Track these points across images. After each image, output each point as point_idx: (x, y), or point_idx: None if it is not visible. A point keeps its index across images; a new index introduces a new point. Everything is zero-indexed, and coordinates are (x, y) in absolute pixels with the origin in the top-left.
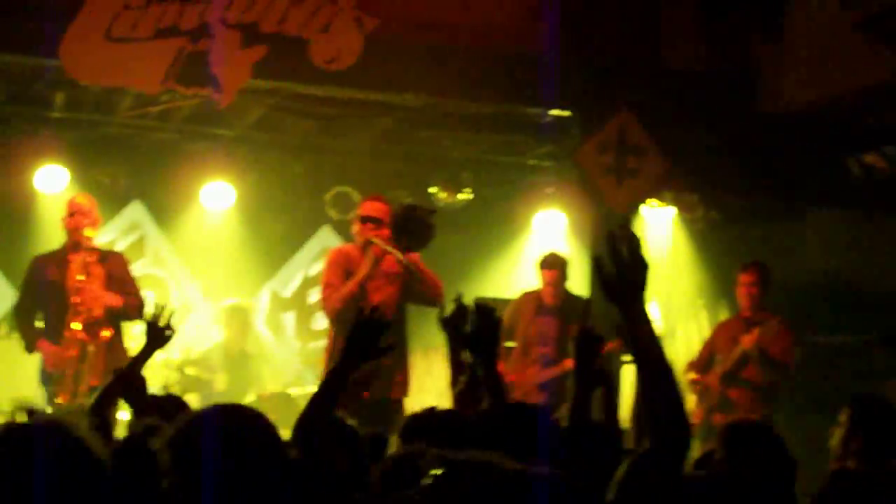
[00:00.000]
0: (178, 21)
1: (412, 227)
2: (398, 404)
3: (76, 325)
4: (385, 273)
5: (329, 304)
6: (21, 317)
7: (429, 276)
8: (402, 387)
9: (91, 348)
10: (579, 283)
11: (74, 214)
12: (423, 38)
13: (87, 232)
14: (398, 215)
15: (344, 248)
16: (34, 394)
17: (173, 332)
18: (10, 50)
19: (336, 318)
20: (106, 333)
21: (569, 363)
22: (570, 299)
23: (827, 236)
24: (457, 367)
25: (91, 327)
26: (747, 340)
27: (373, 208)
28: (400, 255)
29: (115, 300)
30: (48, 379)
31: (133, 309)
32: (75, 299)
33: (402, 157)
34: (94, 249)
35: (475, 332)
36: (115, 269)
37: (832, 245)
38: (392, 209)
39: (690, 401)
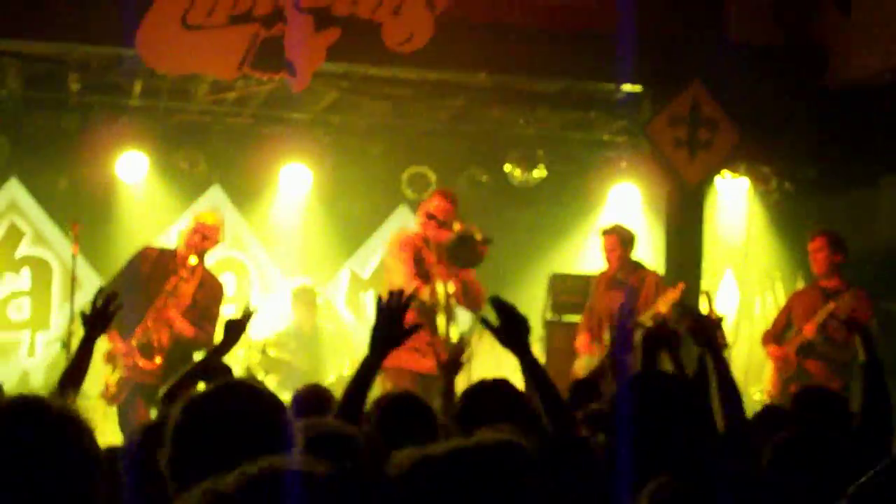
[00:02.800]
0: (253, 7)
1: (462, 254)
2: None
3: (140, 337)
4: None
5: (392, 284)
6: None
7: (472, 294)
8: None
9: (138, 364)
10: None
11: (198, 232)
12: (494, 17)
13: (196, 256)
14: (452, 241)
15: (411, 234)
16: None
17: (242, 332)
18: (88, 40)
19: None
20: (158, 360)
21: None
22: (635, 270)
23: None
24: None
25: (149, 348)
26: (808, 329)
27: (439, 209)
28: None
29: (185, 329)
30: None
31: (201, 344)
32: (153, 314)
33: (476, 136)
34: (200, 274)
35: (500, 329)
36: (204, 299)
37: None
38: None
39: (768, 371)
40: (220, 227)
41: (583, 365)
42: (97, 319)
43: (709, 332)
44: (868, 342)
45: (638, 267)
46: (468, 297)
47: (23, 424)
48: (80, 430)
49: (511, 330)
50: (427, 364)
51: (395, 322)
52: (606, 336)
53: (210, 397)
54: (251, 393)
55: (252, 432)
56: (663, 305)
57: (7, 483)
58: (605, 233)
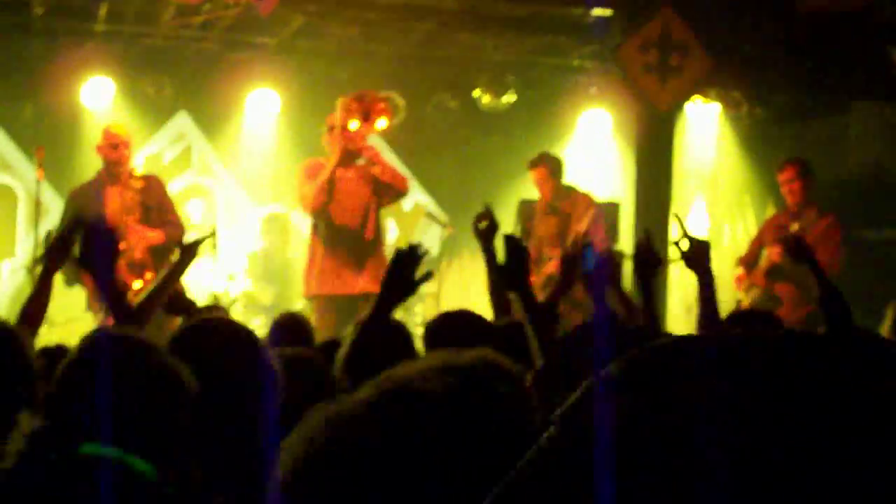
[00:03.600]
0: None
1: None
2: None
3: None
4: (357, 173)
5: (306, 201)
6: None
7: (390, 167)
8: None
9: (131, 287)
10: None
11: (118, 147)
12: None
13: (129, 164)
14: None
15: (315, 159)
16: (85, 319)
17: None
18: None
19: (316, 215)
20: (149, 274)
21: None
22: (568, 194)
23: (872, 129)
24: (497, 301)
25: (135, 268)
26: (775, 252)
27: (335, 117)
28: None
29: (157, 237)
30: (96, 309)
31: (175, 238)
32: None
33: (444, 61)
34: (136, 180)
35: (507, 268)
36: (153, 199)
37: (877, 139)
38: None
39: (738, 297)
40: (125, 132)
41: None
42: (52, 253)
43: (701, 256)
44: (818, 271)
45: (570, 191)
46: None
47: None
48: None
49: (516, 269)
50: (359, 284)
51: (411, 270)
52: (551, 264)
53: (190, 335)
54: (230, 330)
55: (233, 370)
56: (582, 224)
57: None
58: (533, 165)
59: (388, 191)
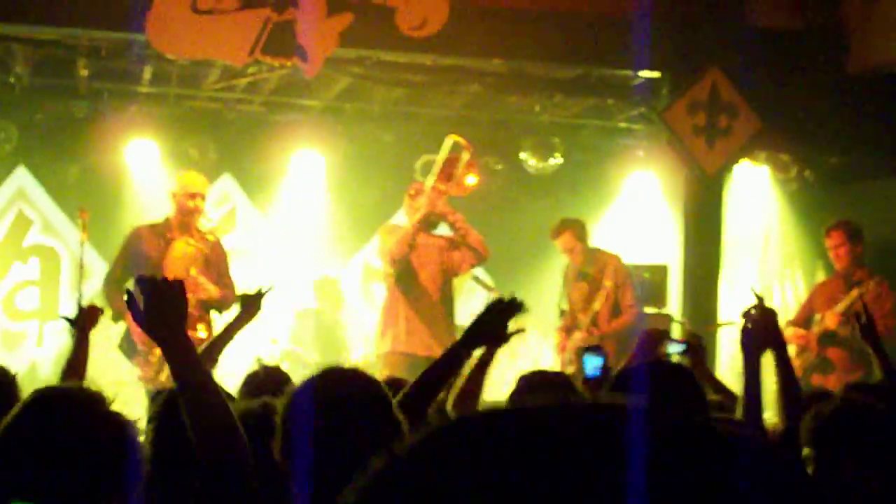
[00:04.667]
0: None
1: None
2: None
3: None
4: (437, 242)
5: (387, 252)
6: (111, 285)
7: (473, 231)
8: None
9: (195, 335)
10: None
11: (195, 197)
12: (509, 2)
13: (202, 216)
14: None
15: (394, 224)
16: (110, 363)
17: (260, 307)
18: (97, 25)
19: (395, 264)
20: (202, 328)
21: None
22: (596, 257)
23: None
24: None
25: (190, 318)
26: (831, 318)
27: (414, 185)
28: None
29: (213, 292)
30: (133, 352)
31: (227, 301)
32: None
33: (491, 124)
34: (203, 237)
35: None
36: (214, 259)
37: None
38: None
39: (791, 353)
40: (205, 184)
41: (564, 362)
42: (83, 320)
43: (771, 326)
44: (881, 354)
45: (598, 253)
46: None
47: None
48: (124, 424)
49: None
50: (434, 347)
51: (505, 318)
52: (577, 333)
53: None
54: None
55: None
56: (607, 282)
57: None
58: (557, 234)
59: (472, 255)
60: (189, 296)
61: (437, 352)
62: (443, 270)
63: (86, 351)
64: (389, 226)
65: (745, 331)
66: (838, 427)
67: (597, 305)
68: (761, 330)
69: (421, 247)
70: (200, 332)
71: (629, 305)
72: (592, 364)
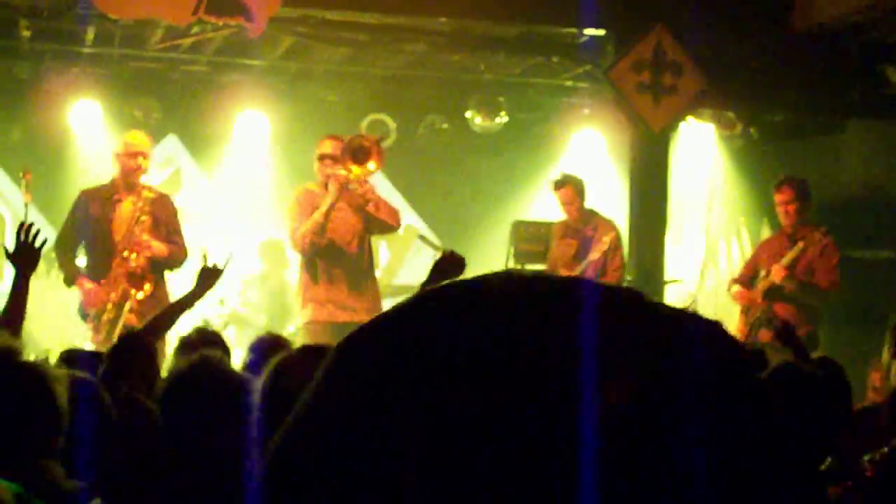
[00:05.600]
0: None
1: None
2: None
3: (119, 270)
4: (350, 205)
5: (297, 238)
6: (62, 249)
7: (386, 203)
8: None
9: (133, 296)
10: (619, 204)
11: (137, 156)
12: None
13: (145, 175)
14: (348, 145)
15: (308, 187)
16: (73, 327)
17: (221, 273)
18: None
19: (304, 252)
20: (148, 286)
21: None
22: (591, 218)
23: (867, 149)
24: None
25: (134, 277)
26: (777, 272)
27: (331, 146)
28: (356, 173)
29: (161, 249)
30: (85, 316)
31: (177, 258)
32: (121, 245)
33: (436, 83)
34: (149, 192)
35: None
36: (162, 215)
37: (872, 158)
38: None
39: (735, 317)
40: (147, 143)
41: None
42: (24, 254)
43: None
44: (801, 352)
45: (593, 215)
46: (381, 207)
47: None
48: (40, 377)
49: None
50: (355, 312)
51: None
52: None
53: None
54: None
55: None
56: (596, 251)
57: None
58: (559, 185)
59: (381, 226)
60: (137, 251)
61: (362, 314)
62: (356, 232)
63: (26, 296)
64: (300, 196)
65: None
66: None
67: (594, 255)
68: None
69: (332, 214)
70: (145, 291)
71: (615, 269)
72: None
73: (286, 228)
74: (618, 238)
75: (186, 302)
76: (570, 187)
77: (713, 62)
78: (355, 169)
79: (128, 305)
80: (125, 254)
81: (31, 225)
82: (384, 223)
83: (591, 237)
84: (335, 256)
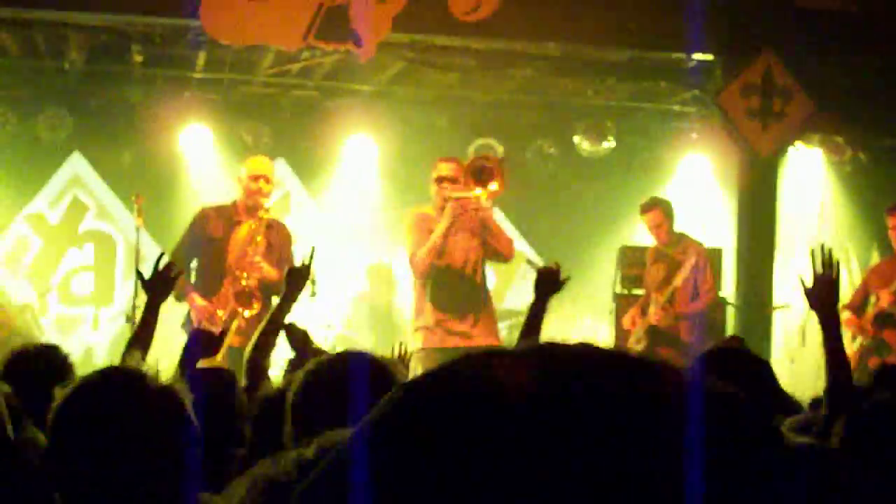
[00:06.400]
0: None
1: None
2: None
3: (230, 288)
4: (467, 228)
5: (416, 262)
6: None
7: (503, 233)
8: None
9: (241, 314)
10: (727, 230)
11: (260, 179)
12: None
13: (268, 199)
14: (471, 166)
15: (423, 211)
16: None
17: (308, 277)
18: (151, 11)
19: (423, 276)
20: (256, 306)
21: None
22: (680, 241)
23: None
24: None
25: (243, 296)
26: (886, 296)
27: (448, 168)
28: (479, 195)
29: (271, 273)
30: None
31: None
32: (235, 265)
33: (543, 107)
34: (265, 213)
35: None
36: (276, 240)
37: None
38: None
39: (846, 340)
40: (270, 167)
41: (631, 343)
42: (158, 284)
43: (827, 295)
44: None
45: (682, 237)
46: (498, 236)
47: (124, 395)
48: (178, 402)
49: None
50: (470, 339)
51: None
52: (652, 309)
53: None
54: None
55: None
56: (684, 272)
57: (110, 453)
58: (647, 209)
59: (495, 254)
60: (249, 273)
61: (477, 339)
62: (473, 258)
63: (155, 324)
64: (416, 220)
65: (807, 292)
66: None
67: (678, 281)
68: (822, 288)
69: (449, 238)
70: (253, 310)
71: (707, 290)
72: None
73: (406, 252)
74: (704, 258)
75: (283, 309)
76: (659, 210)
77: (822, 87)
78: (478, 191)
79: (235, 324)
80: (237, 273)
81: (171, 260)
82: (498, 252)
83: (681, 261)
84: (451, 281)
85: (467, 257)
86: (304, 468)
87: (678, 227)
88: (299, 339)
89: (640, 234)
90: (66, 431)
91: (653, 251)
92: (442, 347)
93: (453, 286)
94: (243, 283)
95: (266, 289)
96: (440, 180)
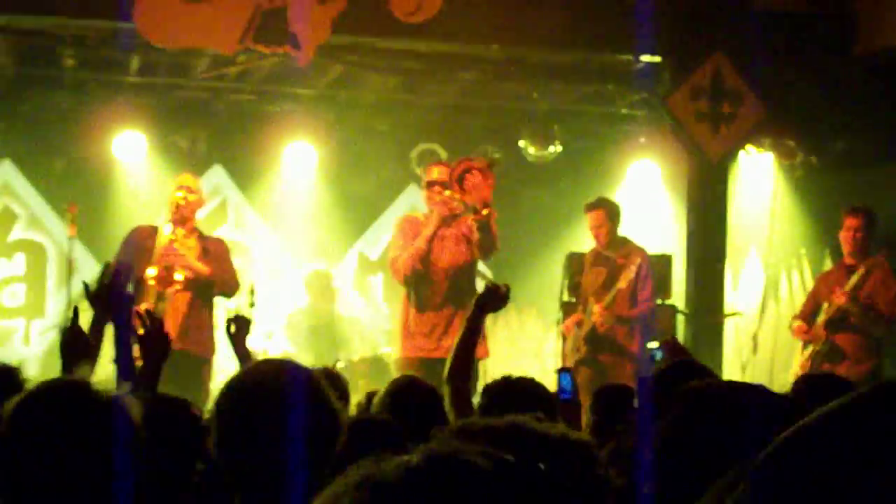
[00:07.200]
0: None
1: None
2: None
3: (150, 278)
4: (454, 233)
5: (398, 266)
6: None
7: (495, 233)
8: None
9: (166, 296)
10: (668, 236)
11: (188, 194)
12: None
13: (197, 213)
14: (456, 169)
15: (412, 215)
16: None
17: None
18: (83, 14)
19: (407, 280)
20: (178, 288)
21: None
22: (622, 245)
23: None
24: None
25: (165, 280)
26: (840, 295)
27: (440, 172)
28: (458, 197)
29: (204, 268)
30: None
31: (224, 284)
32: (162, 260)
33: (488, 111)
34: (200, 230)
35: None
36: (213, 248)
37: None
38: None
39: (797, 353)
40: (195, 180)
41: (568, 349)
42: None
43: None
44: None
45: (625, 242)
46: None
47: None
48: (127, 414)
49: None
50: (440, 353)
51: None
52: (594, 308)
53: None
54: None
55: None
56: (624, 279)
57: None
58: (591, 208)
59: (483, 251)
60: (172, 262)
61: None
62: (460, 265)
63: (100, 338)
64: (403, 224)
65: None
66: None
67: (622, 283)
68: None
69: (435, 240)
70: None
71: (645, 299)
72: (565, 384)
73: (389, 259)
74: (646, 265)
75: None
76: (602, 211)
77: (773, 90)
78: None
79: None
80: (161, 269)
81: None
82: (483, 249)
83: (622, 266)
84: (435, 288)
85: (454, 265)
86: (411, 473)
87: (623, 232)
88: (240, 332)
89: (588, 241)
90: (12, 441)
91: (591, 255)
92: (423, 357)
93: (437, 293)
94: (172, 273)
95: (198, 285)
96: (431, 185)
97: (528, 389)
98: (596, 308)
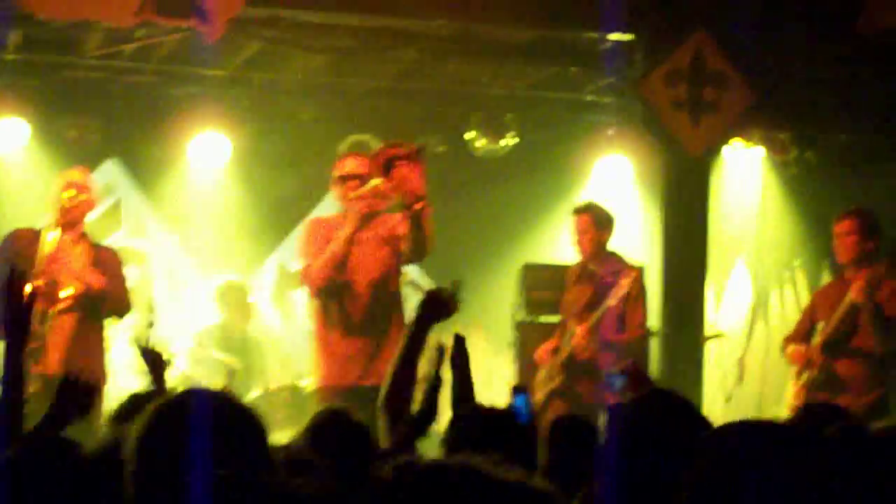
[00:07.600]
0: None
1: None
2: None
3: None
4: (375, 235)
5: (309, 277)
6: None
7: (429, 233)
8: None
9: (48, 317)
10: (650, 244)
11: (78, 193)
12: None
13: (87, 214)
14: (379, 157)
15: (322, 217)
16: None
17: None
18: None
19: (321, 293)
20: (64, 307)
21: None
22: (609, 260)
23: None
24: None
25: (49, 297)
26: (856, 290)
27: (355, 164)
28: (377, 184)
29: (96, 280)
30: None
31: (117, 301)
32: (45, 272)
33: (430, 97)
34: (89, 238)
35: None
36: (105, 257)
37: None
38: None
39: (790, 381)
40: (91, 182)
41: (541, 379)
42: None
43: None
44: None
45: (613, 257)
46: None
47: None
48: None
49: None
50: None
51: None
52: (576, 330)
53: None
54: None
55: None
56: (612, 299)
57: None
58: (577, 212)
59: (414, 256)
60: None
61: (382, 372)
62: (384, 272)
63: (18, 366)
64: (313, 225)
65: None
66: None
67: (611, 301)
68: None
69: (353, 245)
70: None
71: (637, 326)
72: (520, 405)
73: (301, 270)
74: (640, 284)
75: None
76: (588, 216)
77: (764, 73)
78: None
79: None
80: (46, 282)
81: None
82: (411, 253)
83: (611, 283)
84: (356, 302)
85: (377, 273)
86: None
87: (612, 247)
88: (157, 368)
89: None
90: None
91: (576, 269)
92: (348, 386)
93: (360, 309)
94: (59, 288)
95: (88, 303)
96: (345, 179)
97: (503, 422)
98: (578, 330)
